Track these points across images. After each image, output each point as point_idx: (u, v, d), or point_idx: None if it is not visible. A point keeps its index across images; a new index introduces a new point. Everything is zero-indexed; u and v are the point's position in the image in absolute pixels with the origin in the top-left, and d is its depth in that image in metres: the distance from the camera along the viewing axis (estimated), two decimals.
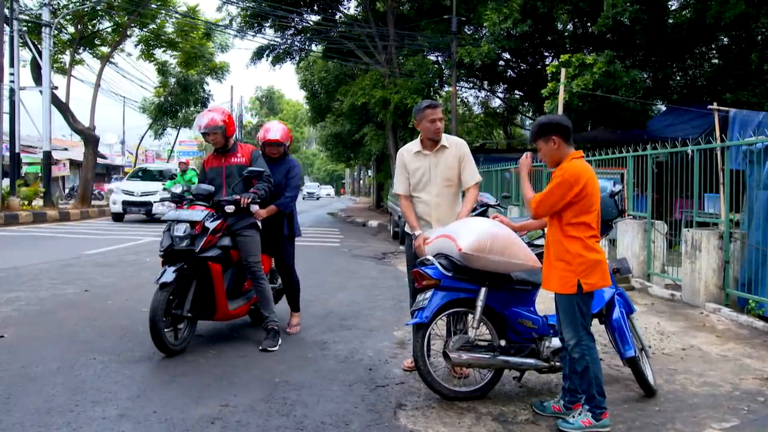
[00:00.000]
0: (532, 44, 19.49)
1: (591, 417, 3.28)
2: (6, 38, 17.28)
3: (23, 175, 21.67)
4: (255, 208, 4.90)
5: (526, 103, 24.25)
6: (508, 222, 3.82)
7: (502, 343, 3.75)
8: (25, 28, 19.31)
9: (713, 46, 16.75)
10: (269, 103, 63.13)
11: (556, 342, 3.68)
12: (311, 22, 22.03)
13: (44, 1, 19.20)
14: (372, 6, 20.45)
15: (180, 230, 4.51)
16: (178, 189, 13.16)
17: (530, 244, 4.09)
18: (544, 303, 4.46)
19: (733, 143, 7.38)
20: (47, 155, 19.77)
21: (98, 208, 20.88)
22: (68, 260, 9.17)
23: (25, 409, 3.40)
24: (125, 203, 17.02)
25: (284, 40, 22.52)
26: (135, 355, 4.46)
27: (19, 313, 5.67)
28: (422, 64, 18.40)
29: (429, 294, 3.65)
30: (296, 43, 22.84)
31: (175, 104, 29.41)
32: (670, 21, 15.44)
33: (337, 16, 21.70)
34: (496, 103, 26.87)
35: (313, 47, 23.67)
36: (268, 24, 21.30)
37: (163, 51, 25.75)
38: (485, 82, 23.82)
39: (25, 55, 20.57)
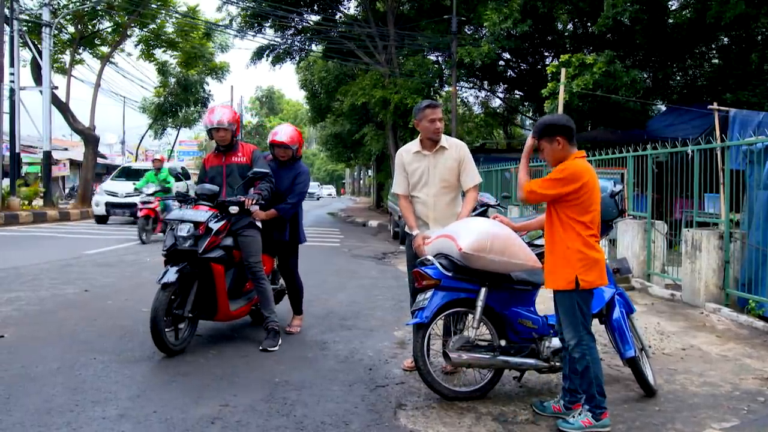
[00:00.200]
0: (532, 44, 19.49)
1: (591, 417, 3.28)
2: (6, 38, 17.29)
3: (23, 175, 21.66)
4: (255, 208, 4.89)
5: (526, 103, 24.25)
6: (508, 222, 3.82)
7: (502, 343, 3.75)
8: (25, 28, 19.32)
9: (713, 46, 16.76)
10: (269, 103, 63.18)
11: (556, 342, 3.68)
12: (311, 22, 22.03)
13: (44, 1, 19.20)
14: (372, 6, 20.45)
15: (183, 230, 4.50)
16: (150, 189, 11.69)
17: (530, 244, 4.10)
18: (544, 303, 4.47)
19: (733, 143, 7.38)
20: (47, 155, 19.77)
21: None
22: (68, 260, 9.17)
23: (25, 409, 3.40)
24: (109, 205, 15.94)
25: (284, 40, 22.52)
26: (135, 355, 4.46)
27: (19, 313, 5.67)
28: (422, 64, 18.40)
29: (429, 294, 3.65)
30: (296, 43, 22.84)
31: (175, 104, 29.42)
32: (670, 21, 15.44)
33: (337, 16, 21.71)
34: (496, 103, 26.90)
35: (313, 47, 23.68)
36: (268, 24, 21.30)
37: (163, 51, 25.77)
38: (485, 82, 23.83)
39: (25, 55, 20.60)
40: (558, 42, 18.67)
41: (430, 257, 3.79)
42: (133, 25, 22.16)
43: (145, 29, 23.27)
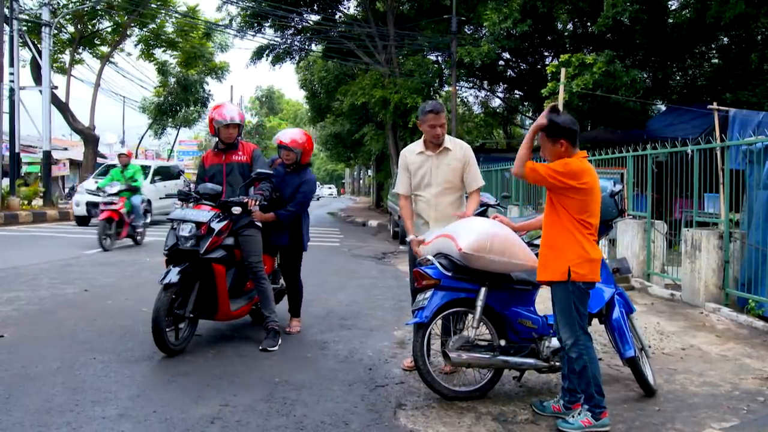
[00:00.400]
0: (532, 44, 19.49)
1: (590, 417, 3.28)
2: (6, 38, 17.29)
3: (23, 174, 21.66)
4: (256, 209, 4.88)
5: (526, 103, 24.25)
6: (508, 222, 3.83)
7: (502, 342, 3.75)
8: (24, 28, 19.34)
9: (713, 46, 16.76)
10: (269, 103, 63.19)
11: (555, 342, 3.67)
12: (311, 22, 22.04)
13: (44, 0, 19.21)
14: (372, 6, 20.46)
15: (185, 230, 4.49)
16: (114, 188, 10.58)
17: (530, 244, 4.09)
18: (544, 303, 4.46)
19: (733, 143, 7.38)
20: (47, 155, 19.78)
21: None
22: (68, 260, 9.17)
23: (25, 409, 3.40)
24: (90, 204, 14.19)
25: (284, 39, 22.53)
26: (135, 355, 4.46)
27: (19, 313, 5.67)
28: (422, 64, 18.41)
29: (429, 294, 3.66)
30: (296, 42, 22.85)
31: (175, 104, 29.44)
32: (670, 21, 15.44)
33: (337, 16, 21.71)
34: (496, 102, 26.89)
35: (313, 47, 23.69)
36: (268, 24, 21.31)
37: (163, 51, 25.80)
38: (485, 82, 23.83)
39: (25, 54, 20.63)
40: (558, 42, 18.67)
41: (430, 257, 3.79)
42: (132, 24, 22.20)
43: (145, 29, 23.31)
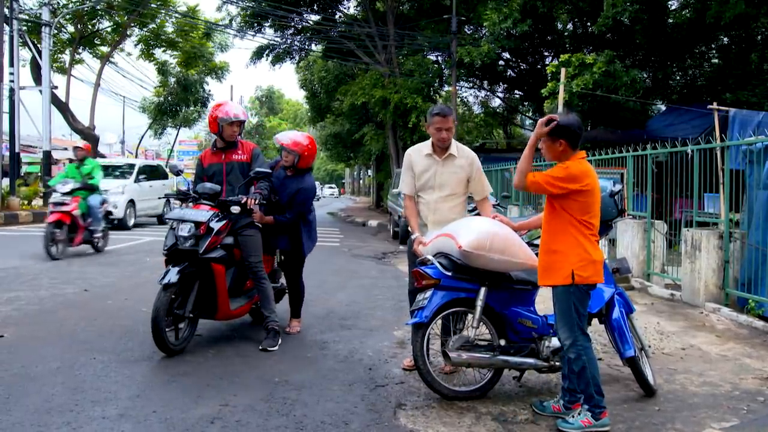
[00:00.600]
0: (532, 44, 19.50)
1: (590, 417, 3.28)
2: (6, 38, 17.28)
3: (23, 174, 21.66)
4: (256, 208, 4.88)
5: (526, 103, 24.26)
6: (508, 221, 3.83)
7: (502, 342, 3.75)
8: (24, 28, 19.34)
9: (713, 46, 16.77)
10: (269, 103, 63.20)
11: (555, 342, 3.67)
12: (311, 22, 22.05)
13: (44, 0, 19.21)
14: (372, 6, 20.47)
15: (184, 230, 4.49)
16: (66, 186, 9.24)
17: (530, 244, 4.10)
18: (544, 303, 4.46)
19: (733, 143, 7.37)
20: (47, 155, 19.76)
21: None
22: (68, 260, 9.16)
23: (25, 409, 3.40)
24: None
25: (284, 39, 22.54)
26: (135, 355, 4.46)
27: (19, 313, 5.67)
28: (422, 64, 18.42)
29: (429, 293, 3.65)
30: (296, 42, 22.86)
31: (174, 104, 29.41)
32: (670, 21, 15.45)
33: (337, 16, 21.73)
34: (496, 102, 26.90)
35: (313, 47, 23.69)
36: (268, 24, 21.33)
37: (163, 51, 25.80)
38: (485, 82, 23.84)
39: (25, 54, 20.63)
40: (558, 42, 18.67)
41: (429, 257, 3.79)
42: (132, 24, 22.20)
43: (145, 29, 23.31)
